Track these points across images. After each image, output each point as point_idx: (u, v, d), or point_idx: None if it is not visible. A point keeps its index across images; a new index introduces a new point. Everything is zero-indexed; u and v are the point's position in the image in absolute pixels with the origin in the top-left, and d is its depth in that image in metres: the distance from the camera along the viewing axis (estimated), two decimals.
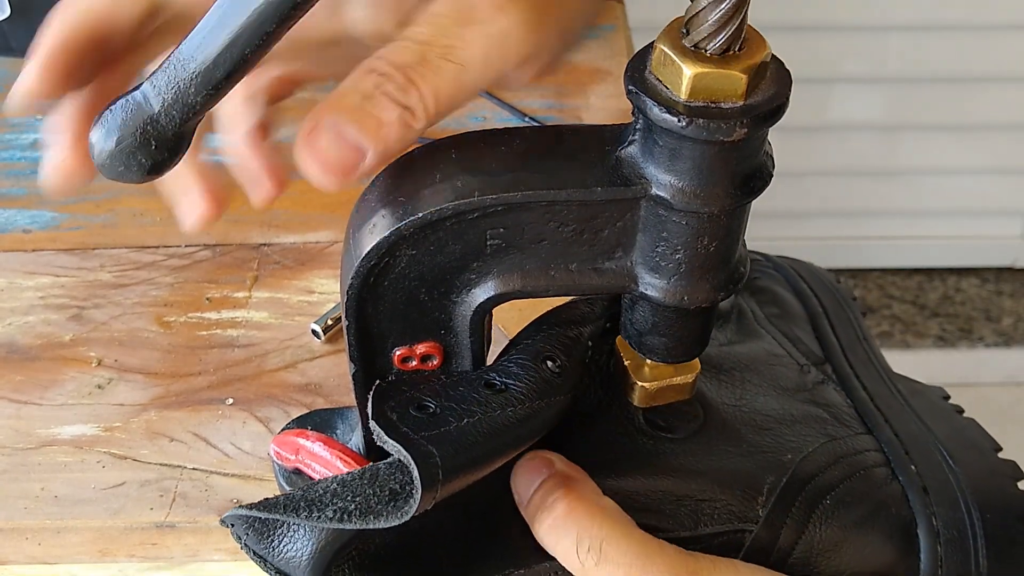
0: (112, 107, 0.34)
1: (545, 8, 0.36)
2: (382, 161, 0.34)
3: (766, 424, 0.42)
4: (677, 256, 0.35)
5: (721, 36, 0.31)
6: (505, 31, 0.35)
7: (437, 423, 0.36)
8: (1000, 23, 1.44)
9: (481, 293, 0.38)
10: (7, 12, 0.77)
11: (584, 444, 0.40)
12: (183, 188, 0.43)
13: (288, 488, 0.48)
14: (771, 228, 1.62)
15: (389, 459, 0.36)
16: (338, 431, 0.49)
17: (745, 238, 0.38)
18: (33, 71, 0.37)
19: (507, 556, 0.38)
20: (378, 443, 0.37)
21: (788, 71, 0.33)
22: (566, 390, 0.39)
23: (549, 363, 0.39)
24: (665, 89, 0.32)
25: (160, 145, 0.34)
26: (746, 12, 0.31)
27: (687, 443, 0.41)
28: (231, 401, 0.55)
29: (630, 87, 0.33)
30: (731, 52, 0.31)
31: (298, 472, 0.48)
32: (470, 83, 0.34)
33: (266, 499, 0.34)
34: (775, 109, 0.32)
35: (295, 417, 0.51)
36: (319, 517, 0.33)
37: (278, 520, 0.36)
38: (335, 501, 0.33)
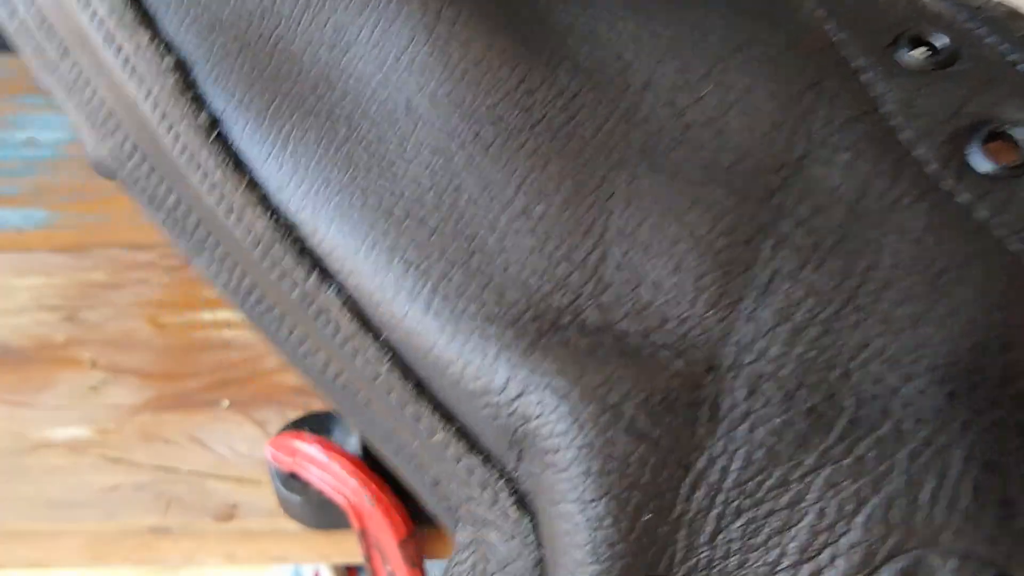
0: None
1: None
2: None
3: None
4: None
5: None
6: None
7: None
8: None
9: None
10: None
11: None
12: None
13: (285, 491, 0.47)
14: None
15: None
16: (335, 434, 0.49)
17: None
18: None
19: None
20: None
21: None
22: None
23: None
24: None
25: None
26: None
27: None
28: (227, 403, 0.54)
29: None
30: None
31: (295, 475, 0.48)
32: None
33: None
34: None
35: (292, 420, 0.50)
36: None
37: None
38: None
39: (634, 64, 0.21)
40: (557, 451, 0.19)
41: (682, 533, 0.19)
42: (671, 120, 0.21)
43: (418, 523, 0.47)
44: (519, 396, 0.19)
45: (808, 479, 0.19)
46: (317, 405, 0.55)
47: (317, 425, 0.49)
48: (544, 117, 0.21)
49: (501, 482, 0.20)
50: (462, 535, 0.22)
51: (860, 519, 0.19)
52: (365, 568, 0.47)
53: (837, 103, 0.21)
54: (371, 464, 0.46)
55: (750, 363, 0.19)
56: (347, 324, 0.21)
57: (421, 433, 0.21)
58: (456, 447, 0.20)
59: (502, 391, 0.19)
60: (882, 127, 0.21)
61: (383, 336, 0.20)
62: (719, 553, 0.19)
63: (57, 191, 0.68)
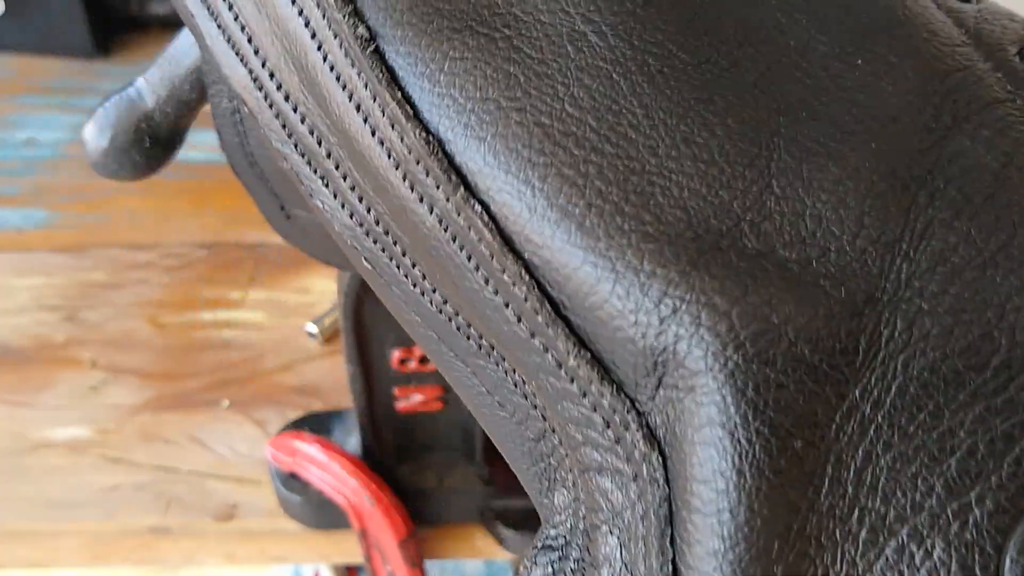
0: (105, 104, 0.33)
1: None
2: None
3: None
4: None
5: None
6: None
7: None
8: None
9: None
10: (2, 9, 0.76)
11: None
12: None
13: (285, 491, 0.47)
14: None
15: None
16: (335, 434, 0.49)
17: None
18: None
19: None
20: None
21: None
22: None
23: None
24: None
25: (154, 142, 0.33)
26: None
27: None
28: (227, 403, 0.54)
29: None
30: None
31: (295, 475, 0.47)
32: None
33: None
34: None
35: (292, 420, 0.50)
36: None
37: None
38: None
39: (790, 31, 0.22)
40: (711, 370, 0.18)
41: (831, 464, 0.18)
42: (828, 81, 0.22)
43: (418, 523, 0.47)
44: (673, 313, 0.18)
45: (960, 416, 0.19)
46: (317, 405, 0.55)
47: (317, 425, 0.49)
48: (709, 59, 0.21)
49: (632, 413, 0.19)
50: (560, 498, 0.21)
51: (1010, 459, 0.19)
52: (365, 568, 0.47)
53: (977, 89, 0.22)
54: (371, 464, 0.46)
55: (909, 298, 0.20)
56: (489, 243, 0.20)
57: (546, 365, 0.20)
58: (585, 376, 0.19)
59: (655, 309, 0.19)
60: (1018, 114, 0.22)
61: (525, 256, 0.20)
62: (864, 487, 0.18)
63: (57, 191, 0.68)
